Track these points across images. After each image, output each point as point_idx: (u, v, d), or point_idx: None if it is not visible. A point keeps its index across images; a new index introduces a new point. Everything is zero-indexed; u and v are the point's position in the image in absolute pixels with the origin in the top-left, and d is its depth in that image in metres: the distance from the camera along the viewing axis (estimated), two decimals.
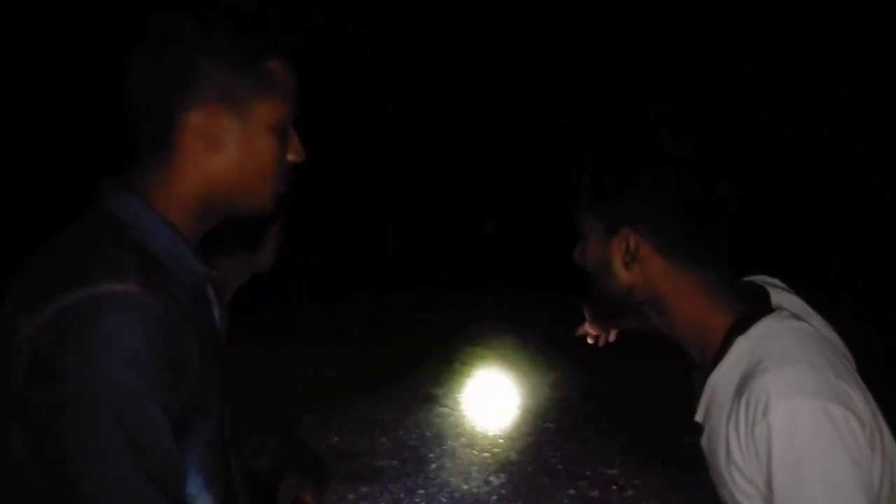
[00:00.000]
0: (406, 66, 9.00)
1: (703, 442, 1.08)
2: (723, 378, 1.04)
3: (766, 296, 1.10)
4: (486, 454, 4.17)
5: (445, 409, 4.77)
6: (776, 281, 1.17)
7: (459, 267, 8.07)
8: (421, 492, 3.74)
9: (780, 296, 1.11)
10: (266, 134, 0.94)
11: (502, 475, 3.94)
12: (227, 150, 0.93)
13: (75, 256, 0.85)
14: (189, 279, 0.93)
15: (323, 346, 5.65)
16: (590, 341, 1.33)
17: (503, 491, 3.79)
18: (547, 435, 4.41)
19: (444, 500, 3.70)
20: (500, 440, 4.33)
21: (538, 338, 5.71)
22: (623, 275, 1.09)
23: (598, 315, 1.21)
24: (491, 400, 4.97)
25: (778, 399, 0.93)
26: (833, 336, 1.10)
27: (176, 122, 0.91)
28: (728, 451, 1.00)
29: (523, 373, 5.30)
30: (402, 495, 3.71)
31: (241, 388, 1.08)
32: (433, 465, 4.03)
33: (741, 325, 1.04)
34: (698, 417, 1.09)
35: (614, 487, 3.78)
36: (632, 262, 1.07)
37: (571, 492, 3.77)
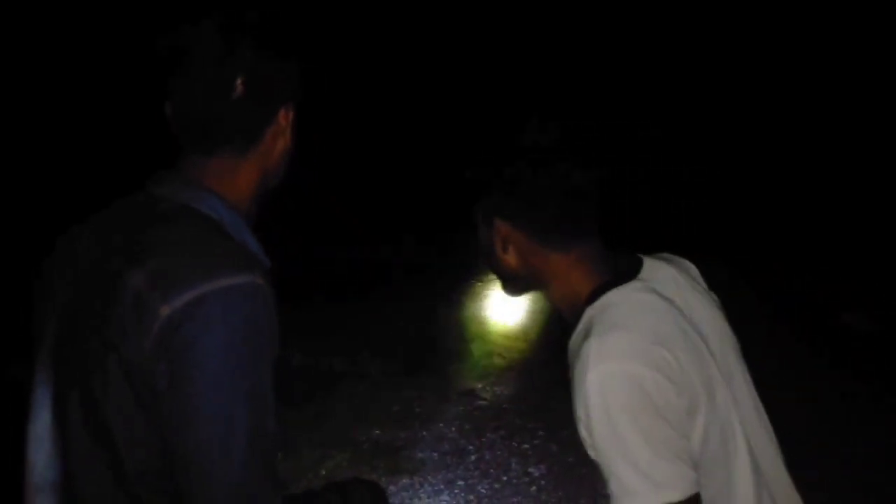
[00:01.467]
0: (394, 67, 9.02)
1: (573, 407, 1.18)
2: (572, 345, 1.19)
3: (636, 269, 1.23)
4: (525, 446, 4.20)
5: (484, 403, 4.80)
6: (672, 256, 1.31)
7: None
8: (461, 483, 3.79)
9: (655, 269, 1.25)
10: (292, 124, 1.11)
11: (542, 466, 3.96)
12: (284, 140, 1.10)
13: (199, 249, 0.97)
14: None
15: (363, 340, 5.73)
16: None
17: (543, 482, 3.81)
18: None
19: (485, 491, 3.74)
20: (540, 432, 4.35)
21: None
22: (504, 257, 1.25)
23: (506, 290, 1.35)
24: (529, 393, 4.99)
25: (595, 364, 1.07)
26: (704, 306, 1.24)
27: (274, 117, 1.07)
28: (573, 404, 1.14)
29: (561, 367, 5.30)
30: (442, 486, 3.76)
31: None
32: (473, 457, 4.07)
33: (593, 296, 1.18)
34: (570, 375, 1.21)
35: None
36: (507, 246, 1.23)
37: None
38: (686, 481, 1.06)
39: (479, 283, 7.43)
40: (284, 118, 1.10)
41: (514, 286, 1.32)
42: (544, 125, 1.23)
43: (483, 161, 1.26)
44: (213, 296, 0.90)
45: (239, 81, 1.03)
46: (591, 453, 1.14)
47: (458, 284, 7.31)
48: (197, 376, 0.89)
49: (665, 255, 1.34)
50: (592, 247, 1.23)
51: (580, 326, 1.18)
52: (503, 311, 6.51)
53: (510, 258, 1.24)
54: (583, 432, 1.14)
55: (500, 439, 4.28)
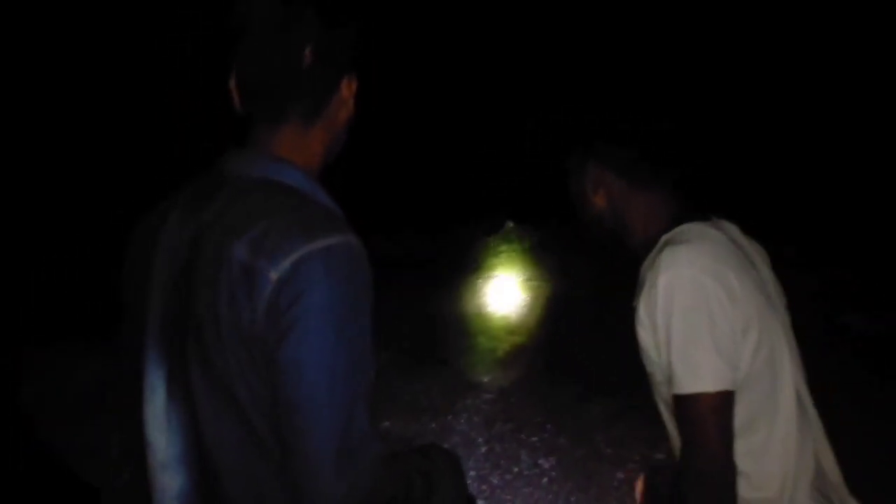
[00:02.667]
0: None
1: (635, 321, 1.35)
2: (646, 264, 1.36)
3: (707, 216, 1.41)
4: (534, 438, 4.25)
5: (491, 396, 4.85)
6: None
7: (507, 257, 8.14)
8: (472, 473, 3.84)
9: (722, 222, 1.43)
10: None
11: (552, 458, 4.02)
12: (347, 109, 1.15)
13: (292, 216, 1.01)
14: None
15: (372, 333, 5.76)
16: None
17: (553, 473, 3.86)
18: (594, 420, 4.48)
19: (496, 482, 3.79)
20: (548, 425, 4.40)
21: (582, 329, 5.77)
22: (594, 199, 1.45)
23: (593, 237, 1.51)
24: (536, 386, 5.04)
25: (666, 269, 1.25)
26: (755, 255, 1.42)
27: (338, 90, 1.13)
28: (638, 314, 1.32)
29: (568, 359, 5.36)
30: None
31: None
32: (483, 449, 4.12)
33: (669, 226, 1.38)
34: (635, 302, 1.36)
35: None
36: (598, 188, 1.44)
37: (620, 475, 3.84)
38: (722, 377, 1.22)
39: (481, 278, 7.48)
40: (347, 88, 1.15)
41: (599, 228, 1.48)
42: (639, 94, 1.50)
43: (589, 114, 1.48)
44: (315, 255, 0.97)
45: (308, 51, 1.08)
46: (650, 353, 1.31)
47: (459, 278, 7.37)
48: (305, 328, 0.95)
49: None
50: (671, 191, 1.43)
51: (655, 249, 1.35)
52: (505, 304, 6.57)
53: (599, 199, 1.44)
54: (642, 334, 1.32)
55: (510, 432, 4.33)
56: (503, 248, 9.36)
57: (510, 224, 9.67)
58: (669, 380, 1.26)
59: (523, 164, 8.36)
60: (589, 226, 1.50)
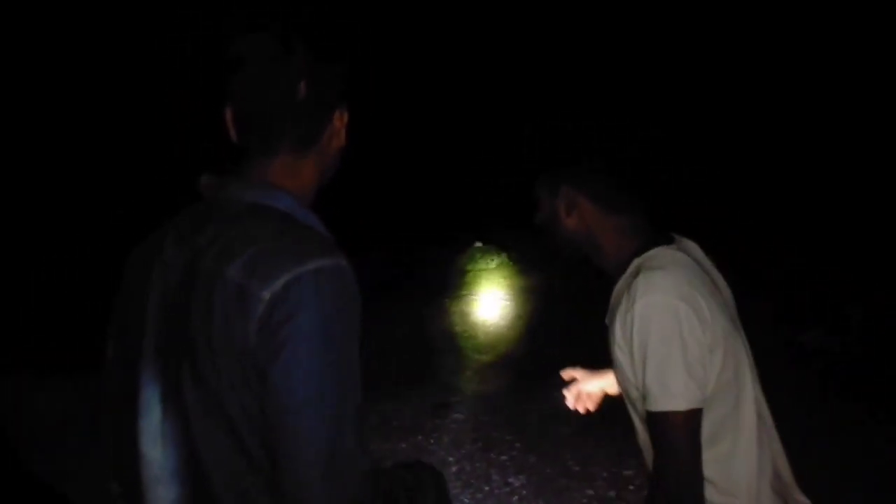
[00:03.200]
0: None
1: (609, 340, 1.45)
2: (619, 287, 1.46)
3: (671, 238, 1.50)
4: (504, 457, 4.29)
5: (460, 416, 4.88)
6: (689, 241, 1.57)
7: (473, 277, 8.19)
8: None
9: (683, 241, 1.53)
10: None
11: (521, 477, 4.05)
12: (339, 140, 1.20)
13: (284, 239, 1.05)
14: None
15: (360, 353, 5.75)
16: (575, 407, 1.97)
17: (524, 492, 3.90)
18: (563, 438, 4.53)
19: (468, 500, 3.81)
20: (517, 444, 4.45)
21: (550, 348, 5.83)
22: (566, 221, 1.51)
23: (561, 255, 1.58)
24: (505, 405, 5.08)
25: (642, 295, 1.34)
26: (716, 277, 1.52)
27: (331, 121, 1.17)
28: (614, 334, 1.41)
29: (536, 378, 5.42)
30: None
31: None
32: (454, 468, 4.14)
33: (640, 250, 1.46)
34: (607, 321, 1.47)
35: (631, 487, 3.89)
36: (571, 210, 1.49)
37: (590, 492, 3.89)
38: (693, 397, 1.32)
39: (447, 300, 7.53)
40: (339, 119, 1.19)
41: (569, 249, 1.55)
42: (607, 124, 1.57)
43: (556, 142, 1.56)
44: (306, 277, 1.00)
45: (302, 84, 1.11)
46: (626, 372, 1.40)
47: (427, 299, 7.40)
48: (295, 347, 0.98)
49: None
50: (638, 216, 1.51)
51: (628, 272, 1.44)
52: (473, 324, 6.61)
53: (572, 221, 1.51)
54: (618, 354, 1.41)
55: (479, 451, 4.36)
56: (470, 267, 9.42)
57: (478, 244, 9.74)
58: (644, 397, 1.36)
59: (490, 184, 8.43)
60: (559, 248, 1.56)
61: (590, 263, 1.56)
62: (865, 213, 6.87)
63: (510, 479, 4.01)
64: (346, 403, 1.01)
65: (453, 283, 8.34)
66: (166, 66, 6.90)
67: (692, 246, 1.53)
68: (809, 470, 1.65)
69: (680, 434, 1.32)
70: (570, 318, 6.03)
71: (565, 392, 1.99)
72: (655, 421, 1.34)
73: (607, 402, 1.64)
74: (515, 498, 3.84)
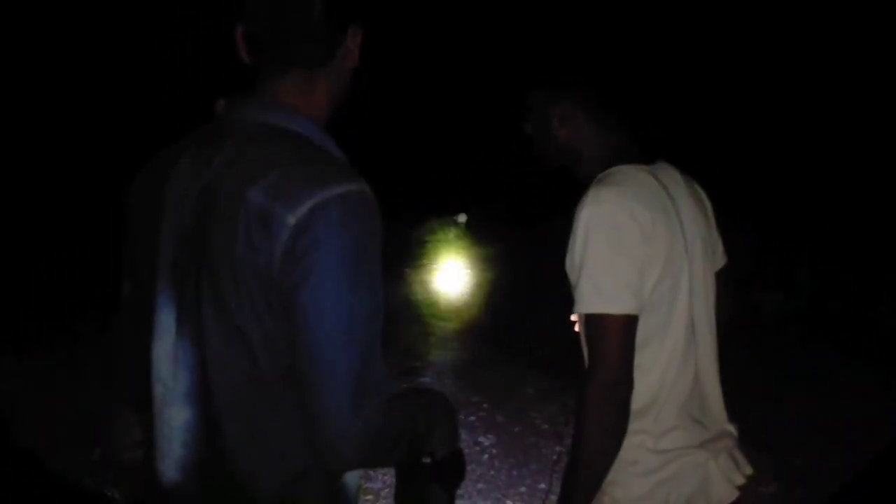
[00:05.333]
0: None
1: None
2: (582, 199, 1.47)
3: (649, 160, 1.52)
4: (472, 418, 4.30)
5: (428, 379, 4.87)
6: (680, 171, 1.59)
7: (432, 247, 8.17)
8: None
9: (664, 166, 1.54)
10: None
11: (490, 436, 4.07)
12: (352, 60, 1.16)
13: (306, 163, 1.04)
14: None
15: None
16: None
17: (494, 450, 3.92)
18: (528, 399, 4.57)
19: None
20: (484, 405, 4.46)
21: (517, 314, 5.87)
22: (557, 133, 1.54)
23: (545, 162, 1.62)
24: (472, 368, 5.10)
25: (588, 205, 1.37)
26: (685, 204, 1.51)
27: (343, 41, 1.13)
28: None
29: (502, 342, 5.45)
30: None
31: None
32: None
33: (607, 165, 1.48)
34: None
35: None
36: (563, 123, 1.53)
37: (559, 448, 3.92)
38: (627, 302, 1.34)
39: (409, 269, 7.50)
40: (353, 39, 1.15)
41: (553, 158, 1.59)
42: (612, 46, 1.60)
43: (574, 53, 1.58)
44: (332, 202, 0.99)
45: (317, 0, 1.09)
46: (570, 276, 1.42)
47: (387, 271, 7.35)
48: (322, 274, 0.98)
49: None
50: (623, 135, 1.53)
51: (591, 185, 1.46)
52: (433, 294, 6.61)
53: (563, 133, 1.54)
54: (566, 260, 1.43)
55: None
56: (429, 238, 9.40)
57: (464, 216, 9.71)
58: (578, 300, 1.37)
59: (447, 155, 8.41)
60: (542, 156, 1.60)
61: (567, 174, 1.60)
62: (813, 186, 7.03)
63: (480, 439, 4.03)
64: (374, 329, 1.02)
65: (413, 254, 8.32)
66: (166, 66, 6.74)
67: (669, 171, 1.54)
68: (759, 421, 1.69)
69: (611, 338, 1.33)
70: (528, 285, 6.08)
71: None
72: (587, 323, 1.37)
73: (573, 363, 1.63)
74: (486, 457, 3.85)
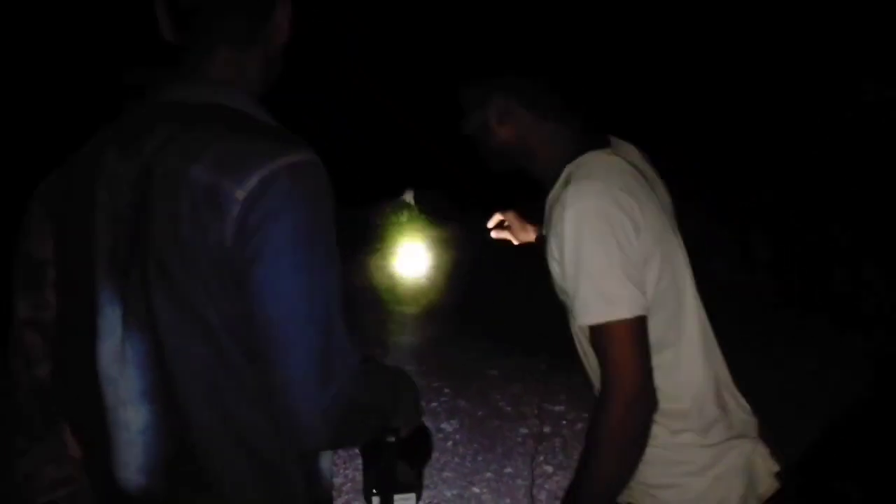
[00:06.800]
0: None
1: (546, 251, 1.35)
2: (552, 196, 1.36)
3: (608, 142, 1.42)
4: (434, 404, 4.23)
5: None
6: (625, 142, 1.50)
7: (385, 231, 8.07)
8: None
9: (621, 144, 1.45)
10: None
11: (454, 421, 4.01)
12: (282, 35, 1.11)
13: (249, 136, 0.98)
14: None
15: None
16: (493, 235, 1.93)
17: (458, 436, 3.85)
18: (490, 380, 4.51)
19: None
20: (446, 390, 4.39)
21: (477, 296, 5.80)
22: (499, 130, 1.41)
23: (492, 164, 1.49)
24: (427, 355, 5.02)
25: (572, 203, 1.25)
26: (654, 180, 1.45)
27: (273, 14, 1.07)
28: (550, 247, 1.31)
29: (457, 326, 5.38)
30: (355, 450, 3.72)
31: None
32: None
33: (572, 157, 1.36)
34: (543, 231, 1.37)
35: (564, 422, 3.91)
36: (504, 119, 1.40)
37: (524, 430, 3.88)
38: (635, 302, 1.23)
39: (367, 255, 7.37)
40: (282, 12, 1.10)
41: (500, 159, 1.47)
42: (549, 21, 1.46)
43: (494, 44, 1.43)
44: (281, 173, 0.94)
45: None
46: (562, 285, 1.31)
47: (346, 256, 7.22)
48: (277, 249, 0.94)
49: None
50: (575, 121, 1.41)
51: (560, 180, 1.35)
52: (389, 278, 6.50)
53: (505, 130, 1.41)
54: (554, 267, 1.31)
55: None
56: (381, 222, 9.27)
57: (411, 193, 9.57)
58: (581, 311, 1.26)
59: (424, 131, 8.24)
60: (489, 159, 1.48)
61: (523, 174, 1.47)
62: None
63: (443, 426, 3.96)
64: (333, 301, 0.98)
65: (366, 238, 8.18)
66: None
67: (629, 149, 1.46)
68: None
69: (626, 346, 1.22)
70: (485, 267, 6.01)
71: (491, 221, 1.97)
72: (598, 333, 1.25)
73: (533, 344, 1.54)
74: (450, 444, 3.79)
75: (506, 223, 1.96)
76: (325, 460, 1.12)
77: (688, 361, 1.36)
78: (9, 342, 1.13)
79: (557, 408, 4.07)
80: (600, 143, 1.40)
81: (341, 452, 3.60)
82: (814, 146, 6.35)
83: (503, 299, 5.51)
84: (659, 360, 1.29)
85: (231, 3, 1.03)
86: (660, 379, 1.29)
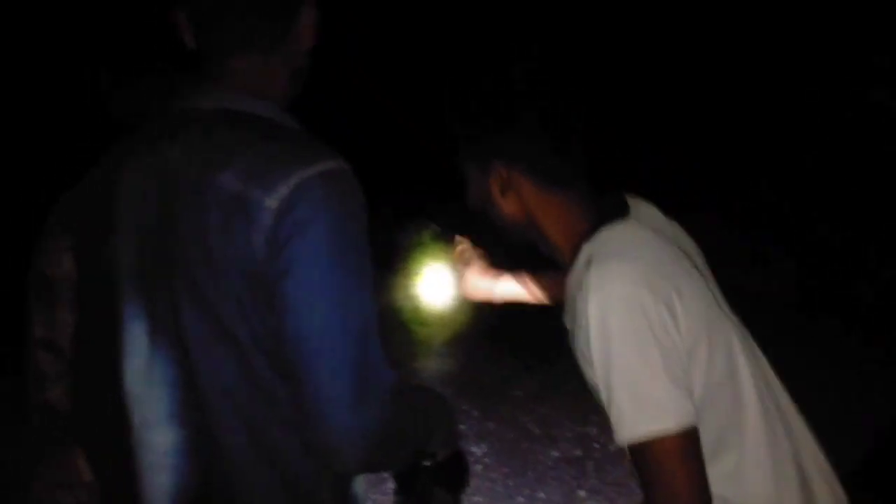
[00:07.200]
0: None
1: (571, 341, 1.17)
2: (572, 281, 1.16)
3: (625, 209, 1.22)
4: (462, 427, 4.16)
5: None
6: (642, 201, 1.30)
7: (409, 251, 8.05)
8: None
9: (638, 205, 1.25)
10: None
11: (483, 445, 3.94)
12: (308, 39, 1.07)
13: (278, 144, 0.95)
14: None
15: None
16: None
17: (487, 460, 3.79)
18: (519, 402, 4.44)
19: None
20: (474, 412, 4.33)
21: (494, 316, 5.74)
22: (503, 203, 1.21)
23: (510, 237, 1.31)
24: (455, 376, 4.97)
25: (596, 290, 1.06)
26: (684, 242, 1.26)
27: (298, 17, 1.03)
28: (575, 339, 1.13)
29: (483, 347, 5.32)
30: (384, 474, 3.66)
31: None
32: None
33: (589, 232, 1.17)
34: (565, 322, 1.20)
35: (596, 445, 3.83)
36: (506, 191, 1.20)
37: (555, 454, 3.81)
38: (682, 411, 1.03)
39: (394, 275, 7.35)
40: (307, 14, 1.07)
41: (514, 234, 1.28)
42: (532, 70, 1.21)
43: (478, 104, 1.22)
44: (313, 180, 0.92)
45: None
46: (593, 384, 1.13)
47: (379, 276, 7.20)
48: (310, 260, 0.91)
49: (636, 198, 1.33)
50: (585, 187, 1.23)
51: (580, 261, 1.15)
52: (413, 299, 6.46)
53: (509, 203, 1.21)
54: (584, 366, 1.14)
55: None
56: (403, 243, 9.25)
57: (432, 224, 9.56)
58: (618, 425, 1.07)
59: (410, 152, 8.23)
60: (505, 233, 1.30)
61: (538, 251, 1.29)
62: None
63: (472, 449, 3.89)
64: (369, 314, 0.95)
65: (391, 258, 8.18)
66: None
67: (650, 212, 1.26)
68: None
69: (675, 465, 1.01)
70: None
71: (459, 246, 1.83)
72: (640, 452, 1.03)
73: (561, 362, 1.43)
74: (480, 467, 3.72)
75: (466, 255, 1.81)
76: (359, 485, 1.08)
77: (755, 463, 1.14)
78: (24, 363, 1.11)
79: (590, 430, 3.99)
80: (618, 211, 1.21)
81: (369, 477, 3.55)
82: (829, 147, 6.25)
83: (528, 318, 5.46)
84: (722, 468, 1.10)
85: (254, 7, 1.00)
86: (725, 488, 1.10)
